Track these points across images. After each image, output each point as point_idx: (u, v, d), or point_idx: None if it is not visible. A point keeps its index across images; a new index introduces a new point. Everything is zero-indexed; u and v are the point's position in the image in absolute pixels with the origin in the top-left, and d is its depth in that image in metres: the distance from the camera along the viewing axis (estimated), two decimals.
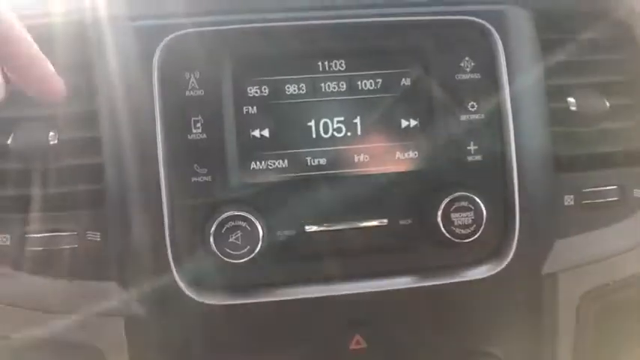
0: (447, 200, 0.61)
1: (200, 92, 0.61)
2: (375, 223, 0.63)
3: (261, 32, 0.62)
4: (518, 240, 0.64)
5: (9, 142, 0.61)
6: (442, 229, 0.61)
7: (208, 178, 0.61)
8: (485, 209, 0.61)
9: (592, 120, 0.68)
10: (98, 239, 0.62)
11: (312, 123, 0.63)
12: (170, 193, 0.60)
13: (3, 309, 0.62)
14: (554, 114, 0.66)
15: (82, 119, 0.62)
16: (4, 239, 0.62)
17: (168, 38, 0.60)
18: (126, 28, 0.61)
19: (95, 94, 0.61)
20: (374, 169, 0.63)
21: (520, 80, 0.64)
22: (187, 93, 0.61)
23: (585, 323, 0.70)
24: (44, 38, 0.60)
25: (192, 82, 0.61)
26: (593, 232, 0.69)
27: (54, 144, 0.61)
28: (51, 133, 0.61)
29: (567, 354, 0.70)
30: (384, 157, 0.64)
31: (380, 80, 0.63)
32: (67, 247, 0.62)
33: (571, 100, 0.68)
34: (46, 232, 0.62)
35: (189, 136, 0.61)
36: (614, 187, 0.69)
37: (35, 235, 0.62)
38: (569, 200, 0.68)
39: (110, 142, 0.61)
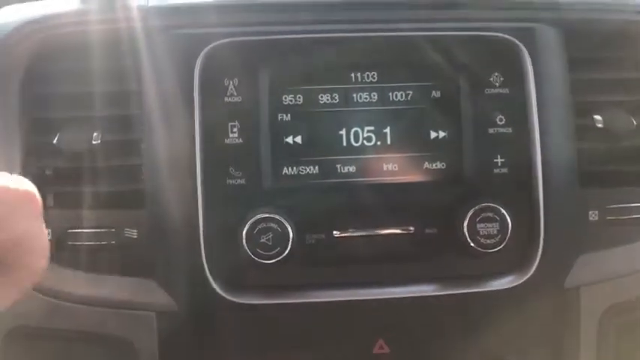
0: (472, 211, 0.62)
1: (238, 99, 0.63)
2: (401, 230, 0.64)
3: (297, 43, 0.65)
4: (542, 252, 0.64)
5: (55, 141, 0.64)
6: (468, 238, 0.62)
7: (243, 181, 0.63)
8: (511, 221, 0.62)
9: (618, 137, 0.69)
10: (135, 236, 0.64)
11: (343, 131, 0.65)
12: (206, 195, 0.63)
13: (41, 300, 0.64)
14: (580, 130, 0.67)
15: (124, 122, 0.65)
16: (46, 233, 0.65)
17: (209, 47, 0.63)
18: (169, 37, 0.64)
19: (137, 98, 0.64)
20: (402, 178, 0.65)
21: (548, 96, 0.65)
22: (226, 99, 0.63)
23: (607, 338, 0.70)
24: (90, 46, 0.64)
25: (231, 89, 0.63)
26: (617, 248, 0.69)
27: (97, 144, 0.64)
28: (94, 134, 0.64)
29: None
30: (412, 167, 0.65)
31: (410, 92, 0.65)
32: (105, 242, 0.64)
33: (598, 117, 0.69)
34: (86, 228, 0.64)
35: (226, 140, 0.63)
36: (639, 204, 0.69)
37: (75, 231, 0.64)
38: (593, 215, 0.68)
39: (150, 144, 0.63)
